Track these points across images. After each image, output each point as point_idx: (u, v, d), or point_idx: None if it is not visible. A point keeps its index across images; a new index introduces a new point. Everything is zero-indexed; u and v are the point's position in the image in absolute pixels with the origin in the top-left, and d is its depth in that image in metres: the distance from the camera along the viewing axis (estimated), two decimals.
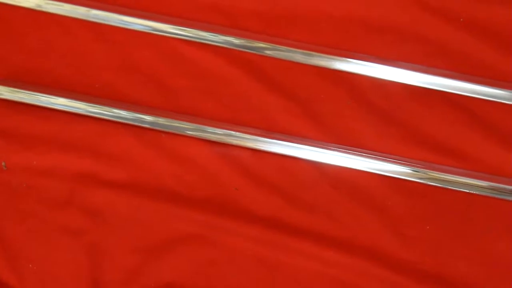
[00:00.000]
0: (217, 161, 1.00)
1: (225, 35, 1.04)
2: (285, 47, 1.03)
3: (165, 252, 0.97)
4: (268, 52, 1.03)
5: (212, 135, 1.00)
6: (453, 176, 1.00)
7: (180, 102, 1.02)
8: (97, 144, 1.00)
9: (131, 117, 1.01)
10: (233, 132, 1.00)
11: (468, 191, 0.99)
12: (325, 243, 0.98)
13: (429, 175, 0.99)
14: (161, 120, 1.01)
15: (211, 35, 1.04)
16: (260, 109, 1.02)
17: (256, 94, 1.02)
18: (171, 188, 0.99)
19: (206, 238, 0.98)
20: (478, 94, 1.01)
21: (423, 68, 1.02)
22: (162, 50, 1.03)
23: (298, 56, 1.02)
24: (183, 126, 1.01)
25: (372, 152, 1.01)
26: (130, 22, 1.04)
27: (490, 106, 1.01)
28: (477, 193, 0.99)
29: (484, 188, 0.99)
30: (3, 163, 0.99)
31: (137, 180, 0.99)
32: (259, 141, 1.00)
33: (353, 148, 1.01)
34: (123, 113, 1.01)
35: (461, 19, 1.02)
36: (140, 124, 1.01)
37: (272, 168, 1.00)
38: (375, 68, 1.02)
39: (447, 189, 0.99)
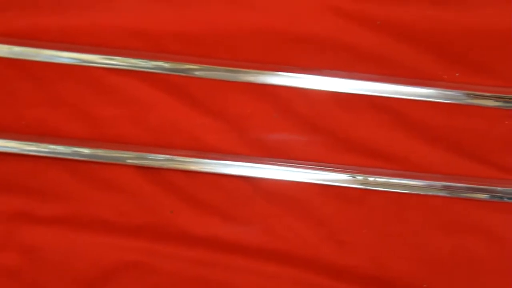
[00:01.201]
0: (150, 186, 1.00)
1: (149, 60, 1.04)
2: (210, 66, 1.03)
3: (107, 283, 0.98)
4: (195, 73, 1.03)
5: (150, 162, 1.00)
6: (386, 178, 1.01)
7: (110, 131, 1.03)
8: (30, 181, 1.01)
9: (69, 151, 1.01)
10: (163, 156, 1.01)
11: (401, 191, 1.00)
12: (265, 257, 0.99)
13: (362, 179, 1.00)
14: (100, 152, 1.01)
15: (136, 61, 1.03)
16: (189, 131, 1.02)
17: (184, 116, 1.02)
18: (107, 218, 1.00)
19: (146, 265, 0.98)
20: (401, 94, 1.02)
21: (346, 74, 1.03)
22: (89, 81, 1.03)
23: (223, 73, 1.03)
24: (123, 155, 1.01)
25: (304, 162, 1.02)
26: (54, 56, 1.04)
27: (414, 105, 1.02)
28: (410, 192, 1.00)
29: (417, 186, 1.00)
30: None
31: (73, 214, 1.00)
32: (191, 162, 1.01)
33: (284, 160, 1.02)
34: (60, 148, 1.01)
35: (378, 22, 1.03)
36: (78, 158, 1.01)
37: (205, 188, 1.01)
38: (299, 78, 1.02)
39: (380, 191, 1.00)
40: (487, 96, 1.01)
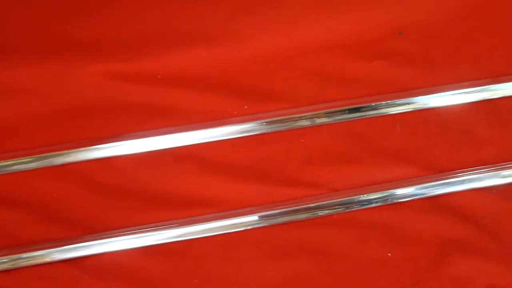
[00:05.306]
0: None
1: None
2: (21, 158, 1.03)
3: None
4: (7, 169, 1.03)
5: None
6: (205, 224, 1.01)
7: None
8: None
9: None
10: None
11: (222, 232, 1.01)
12: None
13: (182, 231, 1.01)
14: None
15: None
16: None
17: None
18: None
19: None
20: (200, 139, 1.05)
21: (142, 134, 1.04)
22: None
23: (21, 165, 1.03)
24: None
25: (122, 229, 1.01)
26: None
27: (214, 146, 1.04)
28: (231, 231, 1.01)
29: (236, 224, 1.01)
30: None
31: None
32: (7, 260, 0.99)
33: (102, 233, 1.01)
34: None
35: (159, 76, 1.05)
36: None
37: (30, 282, 0.99)
38: (94, 150, 1.03)
39: (202, 238, 1.01)
40: (279, 120, 1.04)
